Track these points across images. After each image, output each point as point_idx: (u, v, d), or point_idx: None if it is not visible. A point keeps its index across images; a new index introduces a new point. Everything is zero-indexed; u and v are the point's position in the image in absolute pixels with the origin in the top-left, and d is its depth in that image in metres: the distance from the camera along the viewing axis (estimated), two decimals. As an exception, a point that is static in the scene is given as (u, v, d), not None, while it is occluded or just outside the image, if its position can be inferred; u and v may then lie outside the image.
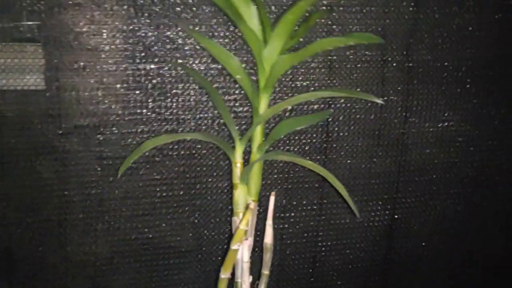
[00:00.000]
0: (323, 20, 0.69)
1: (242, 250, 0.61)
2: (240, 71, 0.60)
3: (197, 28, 0.66)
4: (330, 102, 0.72)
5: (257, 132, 0.62)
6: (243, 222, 0.60)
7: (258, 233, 0.72)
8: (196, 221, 0.72)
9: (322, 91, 0.69)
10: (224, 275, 0.61)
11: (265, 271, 0.64)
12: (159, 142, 0.63)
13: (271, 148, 0.71)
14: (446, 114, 0.76)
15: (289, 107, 0.70)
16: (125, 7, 0.63)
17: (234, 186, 0.62)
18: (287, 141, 0.72)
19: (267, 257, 0.63)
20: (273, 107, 0.60)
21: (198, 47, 0.66)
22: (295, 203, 0.75)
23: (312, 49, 0.58)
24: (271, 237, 0.63)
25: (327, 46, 0.61)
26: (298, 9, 0.54)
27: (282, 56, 0.58)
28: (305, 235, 0.77)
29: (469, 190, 0.80)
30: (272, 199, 0.63)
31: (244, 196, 0.61)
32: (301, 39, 0.67)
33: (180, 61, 0.66)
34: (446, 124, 0.77)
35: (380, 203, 0.78)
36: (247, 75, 0.61)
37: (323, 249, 0.78)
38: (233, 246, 0.60)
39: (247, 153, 0.66)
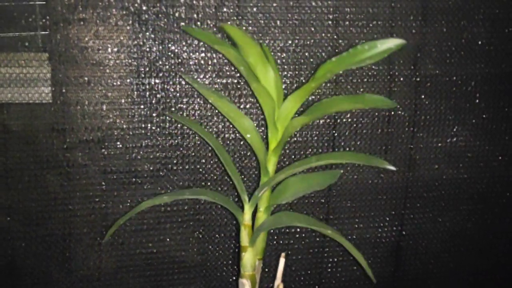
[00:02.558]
0: (328, 34, 0.68)
1: None
2: (251, 130, 0.59)
3: (201, 43, 0.66)
4: (336, 117, 0.71)
5: (265, 194, 0.60)
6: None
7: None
8: (200, 236, 0.72)
9: (332, 157, 0.65)
10: None
11: None
12: (158, 201, 0.61)
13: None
14: (454, 129, 0.75)
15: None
16: (130, 22, 0.63)
17: (243, 249, 0.60)
18: (294, 159, 0.72)
19: None
20: (283, 171, 0.58)
21: (203, 61, 0.66)
22: (300, 218, 0.74)
23: (323, 110, 0.58)
24: None
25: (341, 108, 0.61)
26: (321, 79, 0.54)
27: (297, 118, 0.57)
28: (311, 251, 0.76)
29: (479, 206, 0.78)
30: (282, 262, 0.62)
31: (253, 259, 0.60)
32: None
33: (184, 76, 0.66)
34: (455, 139, 0.75)
35: (388, 219, 0.77)
36: (258, 135, 0.59)
37: (330, 265, 0.77)
38: None
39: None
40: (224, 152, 0.60)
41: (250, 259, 0.60)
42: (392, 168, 0.55)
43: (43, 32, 0.62)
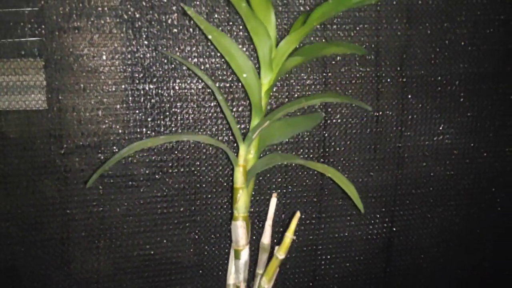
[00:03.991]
0: (317, 38, 0.70)
1: (244, 252, 0.61)
2: (248, 69, 0.58)
3: (194, 49, 0.67)
4: (326, 118, 0.73)
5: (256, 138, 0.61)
6: (291, 230, 0.59)
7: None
8: (196, 237, 0.73)
9: (320, 96, 0.67)
10: (268, 286, 0.61)
11: (260, 271, 0.63)
12: (151, 143, 0.61)
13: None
14: (441, 128, 0.77)
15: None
16: (124, 29, 0.65)
17: (237, 191, 0.60)
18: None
19: (264, 257, 0.63)
20: (277, 111, 0.59)
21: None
22: (293, 217, 0.76)
23: (314, 52, 0.59)
24: (269, 237, 0.63)
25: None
26: (317, 21, 0.54)
27: (292, 58, 0.57)
28: (305, 249, 0.77)
29: (466, 202, 0.81)
30: (273, 201, 0.62)
31: (247, 200, 0.61)
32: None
33: (178, 81, 0.68)
34: (441, 137, 0.78)
35: (378, 216, 0.79)
36: (255, 74, 0.58)
37: (323, 262, 0.79)
38: (281, 256, 0.59)
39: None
40: (219, 93, 0.60)
41: (245, 200, 0.60)
42: (369, 108, 0.63)
43: (37, 39, 0.63)
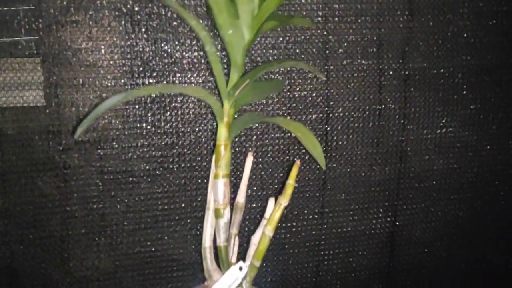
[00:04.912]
0: (318, 31, 0.70)
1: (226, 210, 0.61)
2: (234, 26, 0.57)
3: (194, 42, 0.66)
4: (328, 112, 0.73)
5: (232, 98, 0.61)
6: (293, 177, 0.59)
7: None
8: (198, 233, 0.72)
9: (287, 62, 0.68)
10: (272, 234, 0.60)
11: (234, 231, 0.63)
12: (144, 92, 0.63)
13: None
14: (444, 121, 0.77)
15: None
16: (123, 23, 0.64)
17: (219, 148, 0.60)
18: (286, 151, 0.73)
19: (239, 216, 0.63)
20: (257, 69, 0.60)
21: (195, 60, 0.67)
22: (296, 212, 0.75)
23: (287, 19, 0.63)
24: (244, 197, 0.63)
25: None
26: None
27: (270, 22, 0.59)
28: (307, 244, 0.77)
29: (469, 195, 0.80)
30: (249, 160, 0.63)
31: (229, 158, 0.60)
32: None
33: (178, 75, 0.67)
34: (444, 130, 0.77)
35: (381, 210, 0.78)
36: (240, 31, 0.58)
37: (326, 258, 0.78)
38: (284, 203, 0.59)
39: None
40: (212, 46, 0.58)
41: (227, 157, 0.60)
42: (323, 77, 0.66)
43: (34, 37, 0.62)
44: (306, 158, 0.74)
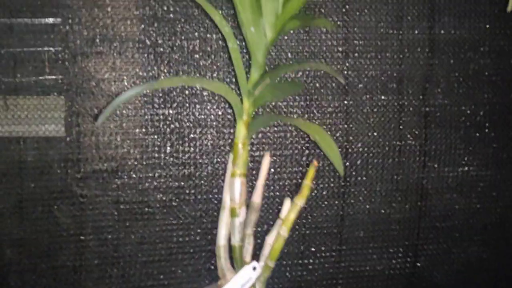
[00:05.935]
0: (338, 66, 0.70)
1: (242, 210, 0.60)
2: (257, 24, 0.58)
3: (215, 75, 0.67)
4: (347, 147, 0.72)
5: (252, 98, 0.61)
6: (309, 178, 0.59)
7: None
8: (212, 267, 0.71)
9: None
10: (287, 235, 0.59)
11: (249, 231, 0.61)
12: (166, 84, 0.64)
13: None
14: (465, 159, 0.75)
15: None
16: (145, 55, 0.65)
17: (237, 147, 0.59)
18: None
19: (254, 217, 0.61)
20: (278, 69, 0.61)
21: (215, 93, 0.67)
22: (313, 249, 0.73)
23: (310, 19, 0.64)
24: (260, 196, 0.62)
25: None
26: None
27: (293, 21, 0.59)
28: (324, 282, 0.74)
29: (493, 237, 0.78)
30: (266, 159, 0.62)
31: (246, 157, 0.60)
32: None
33: (198, 106, 0.68)
34: (466, 168, 0.75)
35: (401, 250, 0.76)
36: (262, 29, 0.58)
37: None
38: (300, 203, 0.59)
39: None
40: (235, 42, 0.59)
41: (245, 156, 0.60)
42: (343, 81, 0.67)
43: (58, 76, 0.64)
44: (323, 193, 0.72)
